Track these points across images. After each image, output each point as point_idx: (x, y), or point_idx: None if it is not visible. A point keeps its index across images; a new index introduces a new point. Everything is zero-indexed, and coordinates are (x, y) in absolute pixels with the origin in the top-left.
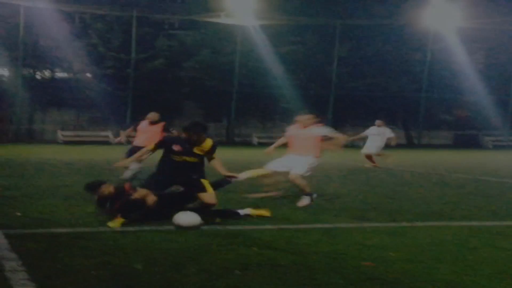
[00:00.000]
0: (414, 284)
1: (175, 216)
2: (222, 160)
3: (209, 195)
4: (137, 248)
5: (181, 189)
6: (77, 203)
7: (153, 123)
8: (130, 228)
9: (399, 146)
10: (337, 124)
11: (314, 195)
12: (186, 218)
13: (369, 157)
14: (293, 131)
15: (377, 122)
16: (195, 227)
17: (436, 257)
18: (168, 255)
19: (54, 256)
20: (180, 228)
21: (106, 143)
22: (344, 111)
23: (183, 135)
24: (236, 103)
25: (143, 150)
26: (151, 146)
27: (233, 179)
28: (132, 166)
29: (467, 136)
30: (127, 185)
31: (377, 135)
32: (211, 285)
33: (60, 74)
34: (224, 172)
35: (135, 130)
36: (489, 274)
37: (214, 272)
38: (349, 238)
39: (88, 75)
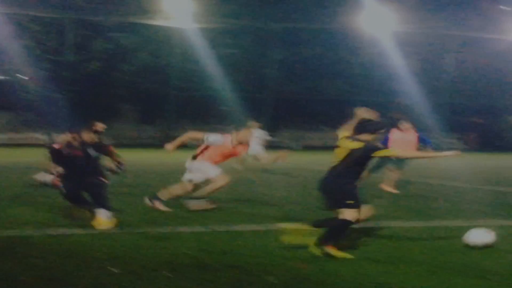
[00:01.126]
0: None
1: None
2: (159, 162)
3: None
4: (66, 250)
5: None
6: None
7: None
8: (60, 230)
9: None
10: (275, 127)
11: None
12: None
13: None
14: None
15: (253, 123)
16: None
17: (371, 257)
18: (96, 256)
19: None
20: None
21: (42, 145)
22: (283, 115)
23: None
24: (173, 105)
25: None
26: None
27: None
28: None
29: None
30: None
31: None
32: (138, 286)
33: None
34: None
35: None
36: (420, 273)
37: (142, 273)
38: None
39: (24, 77)
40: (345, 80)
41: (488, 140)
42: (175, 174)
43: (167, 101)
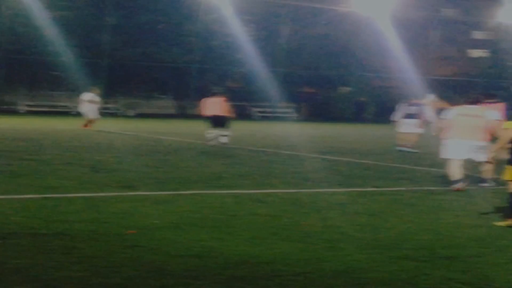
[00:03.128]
0: (177, 251)
1: None
2: None
3: None
4: None
5: None
6: None
7: None
8: None
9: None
10: (109, 94)
11: None
12: None
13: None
14: None
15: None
16: None
17: (198, 224)
18: None
19: None
20: None
21: None
22: (117, 81)
23: None
24: (2, 69)
25: None
26: None
27: None
28: None
29: (237, 107)
30: None
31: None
32: None
33: None
34: None
35: None
36: (246, 239)
37: None
38: (113, 207)
39: None
40: (181, 47)
41: (319, 110)
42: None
43: None
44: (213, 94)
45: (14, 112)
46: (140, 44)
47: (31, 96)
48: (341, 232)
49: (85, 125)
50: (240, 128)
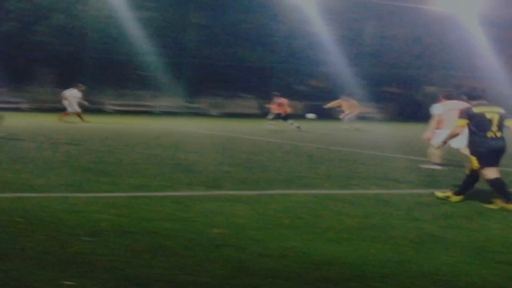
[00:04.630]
0: (263, 250)
1: None
2: (75, 127)
3: None
4: None
5: None
6: None
7: None
8: None
9: (255, 115)
10: (193, 93)
11: None
12: None
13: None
14: None
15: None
16: None
17: (284, 224)
18: (15, 222)
19: None
20: None
21: None
22: (201, 80)
23: None
24: (90, 69)
25: None
26: None
27: None
28: None
29: (320, 107)
30: None
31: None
32: (59, 252)
33: None
34: None
35: None
36: (332, 239)
37: (62, 239)
38: (200, 206)
39: None
40: (265, 47)
41: (404, 110)
42: (94, 139)
43: (84, 65)
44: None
45: (101, 111)
46: (224, 43)
47: (118, 96)
48: (429, 233)
49: (82, 120)
50: (324, 128)
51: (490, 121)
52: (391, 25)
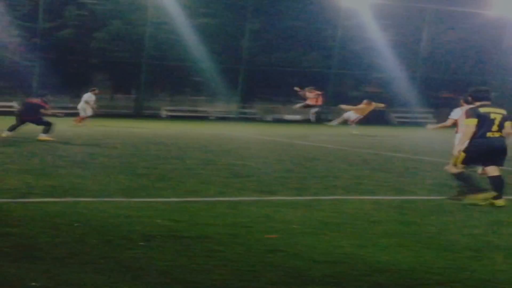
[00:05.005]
0: (317, 256)
1: None
2: (131, 133)
3: None
4: (41, 220)
5: None
6: None
7: None
8: (35, 199)
9: (309, 121)
10: (247, 99)
11: None
12: None
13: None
14: None
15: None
16: None
17: (338, 230)
18: (72, 226)
19: None
20: None
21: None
22: (255, 86)
23: None
24: (146, 75)
25: None
26: None
27: None
28: None
29: (376, 112)
30: None
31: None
32: (114, 256)
33: None
34: None
35: None
36: (388, 246)
37: (117, 243)
38: (254, 212)
39: None
40: (320, 53)
41: None
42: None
43: (141, 70)
44: None
45: (156, 117)
46: (278, 49)
47: (172, 101)
48: (487, 240)
49: (79, 121)
50: (378, 133)
51: (492, 122)
52: (447, 30)
